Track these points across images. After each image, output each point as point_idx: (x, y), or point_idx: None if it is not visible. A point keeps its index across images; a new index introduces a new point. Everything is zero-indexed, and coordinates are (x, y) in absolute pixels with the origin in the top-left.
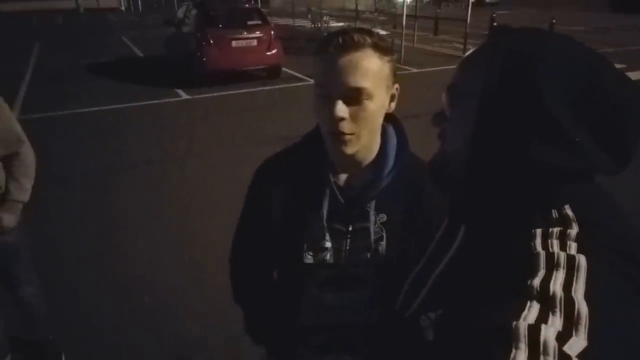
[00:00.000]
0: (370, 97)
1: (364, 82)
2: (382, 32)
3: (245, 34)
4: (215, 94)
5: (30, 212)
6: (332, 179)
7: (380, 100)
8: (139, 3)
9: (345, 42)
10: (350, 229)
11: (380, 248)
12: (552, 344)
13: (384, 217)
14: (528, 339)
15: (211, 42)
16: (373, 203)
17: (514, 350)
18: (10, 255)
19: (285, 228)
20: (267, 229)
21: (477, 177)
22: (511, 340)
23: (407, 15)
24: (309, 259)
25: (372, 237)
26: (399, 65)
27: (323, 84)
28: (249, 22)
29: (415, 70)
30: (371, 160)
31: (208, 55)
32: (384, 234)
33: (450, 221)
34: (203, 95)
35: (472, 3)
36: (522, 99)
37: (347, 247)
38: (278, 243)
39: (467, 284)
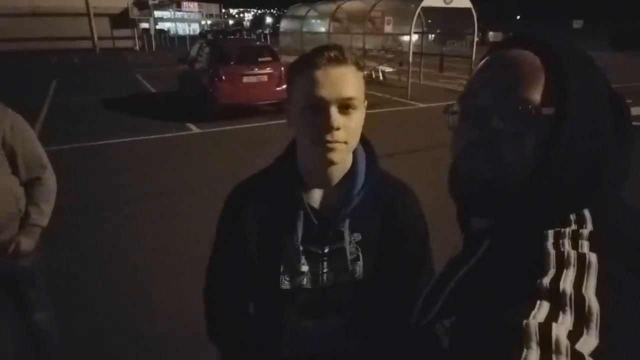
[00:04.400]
0: (356, 107)
1: (354, 92)
2: (389, 69)
3: (256, 70)
4: (226, 128)
5: (45, 238)
6: (305, 200)
7: (362, 112)
8: (153, 43)
9: (336, 56)
10: (326, 250)
11: (358, 268)
12: (564, 342)
13: (358, 236)
14: (539, 338)
15: (223, 77)
16: (347, 222)
17: (525, 350)
18: (25, 279)
19: (260, 253)
20: (241, 256)
21: (531, 201)
22: (522, 339)
23: (413, 53)
24: (285, 284)
25: (348, 257)
26: (406, 101)
27: (314, 94)
28: (260, 59)
29: (421, 105)
30: (342, 178)
31: (220, 90)
32: (360, 254)
33: (474, 239)
34: (214, 129)
35: (476, 41)
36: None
37: (324, 270)
38: (253, 270)
39: (483, 289)
